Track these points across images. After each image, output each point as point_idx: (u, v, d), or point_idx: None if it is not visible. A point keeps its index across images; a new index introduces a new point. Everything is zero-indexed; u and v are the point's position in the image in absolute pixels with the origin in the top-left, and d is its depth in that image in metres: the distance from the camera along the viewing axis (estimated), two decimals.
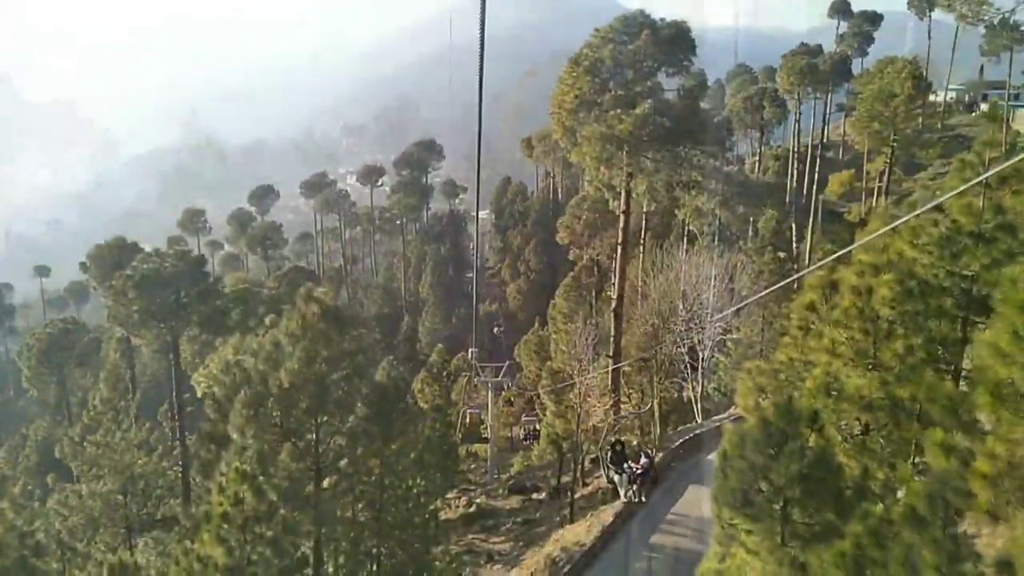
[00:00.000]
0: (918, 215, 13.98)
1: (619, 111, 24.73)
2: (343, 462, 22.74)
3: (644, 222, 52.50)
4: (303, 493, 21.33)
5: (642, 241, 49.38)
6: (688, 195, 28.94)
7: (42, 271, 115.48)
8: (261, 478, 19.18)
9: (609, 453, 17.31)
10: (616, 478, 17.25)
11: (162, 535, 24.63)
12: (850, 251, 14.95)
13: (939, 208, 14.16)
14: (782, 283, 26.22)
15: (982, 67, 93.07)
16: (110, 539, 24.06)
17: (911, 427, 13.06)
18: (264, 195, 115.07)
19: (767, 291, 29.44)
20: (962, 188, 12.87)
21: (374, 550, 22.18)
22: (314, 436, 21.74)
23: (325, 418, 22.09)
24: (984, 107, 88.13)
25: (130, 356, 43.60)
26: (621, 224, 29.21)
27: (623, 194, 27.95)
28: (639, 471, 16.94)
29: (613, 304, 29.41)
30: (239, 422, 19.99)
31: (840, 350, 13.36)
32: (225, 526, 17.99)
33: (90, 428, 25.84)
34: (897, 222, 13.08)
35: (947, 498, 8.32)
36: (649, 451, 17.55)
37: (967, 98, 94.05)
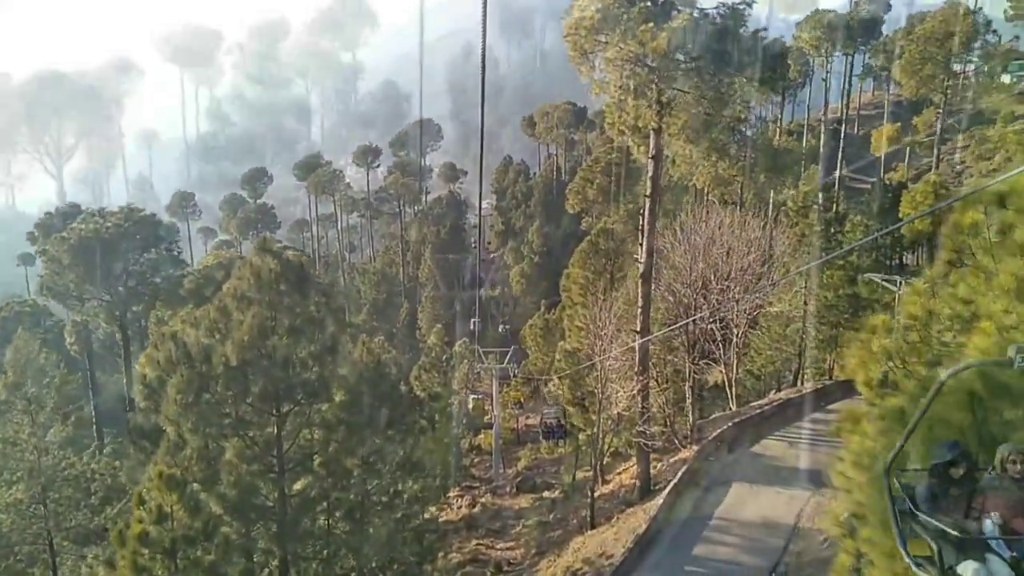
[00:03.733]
0: None
1: (651, 25, 20.29)
2: (314, 462, 18.26)
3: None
4: (260, 502, 16.85)
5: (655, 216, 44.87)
6: (730, 138, 24.20)
7: (27, 259, 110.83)
8: (196, 485, 14.69)
9: (938, 489, 4.67)
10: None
11: (100, 552, 20.31)
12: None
13: None
14: (856, 243, 21.54)
15: (999, 37, 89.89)
16: (25, 558, 19.75)
17: None
18: (257, 178, 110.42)
19: (847, 249, 24.78)
20: None
21: (353, 572, 17.81)
22: (275, 429, 17.23)
23: (291, 406, 17.62)
24: (1005, 78, 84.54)
25: (87, 337, 38.93)
26: (650, 172, 24.67)
27: (652, 135, 23.52)
28: None
29: (640, 268, 24.93)
30: (172, 411, 15.49)
31: None
32: (145, 550, 13.53)
33: None
34: None
35: None
36: None
37: (985, 69, 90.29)
